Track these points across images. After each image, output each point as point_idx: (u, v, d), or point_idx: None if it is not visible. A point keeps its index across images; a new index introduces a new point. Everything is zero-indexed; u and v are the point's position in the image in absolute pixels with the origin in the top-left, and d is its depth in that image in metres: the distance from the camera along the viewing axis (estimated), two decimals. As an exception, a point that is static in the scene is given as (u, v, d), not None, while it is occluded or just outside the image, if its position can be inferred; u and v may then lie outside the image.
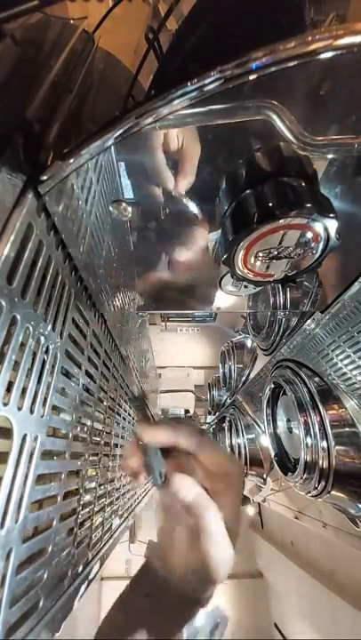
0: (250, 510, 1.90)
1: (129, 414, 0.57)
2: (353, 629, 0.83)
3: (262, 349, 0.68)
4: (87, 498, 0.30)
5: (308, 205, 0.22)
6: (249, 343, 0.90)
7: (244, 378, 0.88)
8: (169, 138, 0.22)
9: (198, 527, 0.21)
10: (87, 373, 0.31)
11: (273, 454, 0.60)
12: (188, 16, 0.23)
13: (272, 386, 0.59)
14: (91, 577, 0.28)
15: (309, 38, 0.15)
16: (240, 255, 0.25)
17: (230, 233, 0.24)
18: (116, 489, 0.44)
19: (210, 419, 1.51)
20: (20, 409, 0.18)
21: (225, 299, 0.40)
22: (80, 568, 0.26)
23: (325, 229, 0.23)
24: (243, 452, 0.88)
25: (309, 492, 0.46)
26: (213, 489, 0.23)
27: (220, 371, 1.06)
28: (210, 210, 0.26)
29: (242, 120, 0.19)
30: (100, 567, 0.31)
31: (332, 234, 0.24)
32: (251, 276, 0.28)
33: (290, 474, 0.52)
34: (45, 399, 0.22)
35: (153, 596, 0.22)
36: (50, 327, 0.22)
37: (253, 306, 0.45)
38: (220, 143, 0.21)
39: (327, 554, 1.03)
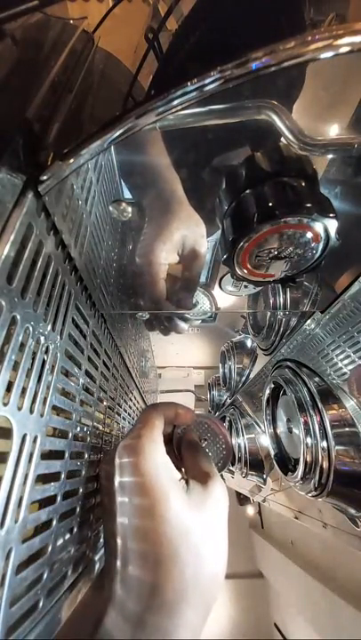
0: (250, 510, 1.90)
1: (129, 414, 0.57)
2: (353, 629, 0.83)
3: (262, 349, 0.68)
4: (87, 498, 0.30)
5: (308, 205, 0.22)
6: (249, 343, 0.90)
7: (244, 378, 0.88)
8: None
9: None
10: (87, 373, 0.31)
11: (273, 454, 0.60)
12: (188, 16, 0.23)
13: (272, 386, 0.59)
14: (91, 577, 0.28)
15: (309, 38, 0.15)
16: (240, 255, 0.25)
17: (230, 233, 0.24)
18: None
19: (210, 419, 1.51)
20: (19, 409, 0.18)
21: (225, 299, 0.40)
22: (80, 568, 0.26)
23: (325, 229, 0.23)
24: (243, 451, 0.88)
25: (309, 492, 0.46)
26: None
27: (220, 371, 1.06)
28: (210, 210, 0.26)
29: (242, 120, 0.19)
30: (101, 567, 0.31)
31: (332, 234, 0.24)
32: (251, 276, 0.28)
33: (290, 474, 0.52)
34: (45, 399, 0.22)
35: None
36: (50, 327, 0.22)
37: (253, 306, 0.45)
38: (221, 143, 0.21)
39: (327, 554, 1.03)
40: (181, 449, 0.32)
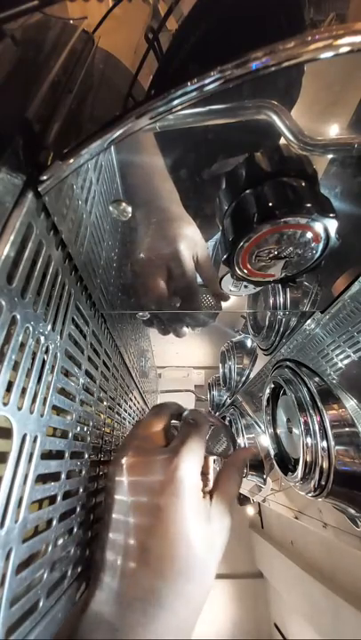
0: (250, 510, 1.89)
1: (129, 414, 0.57)
2: (354, 629, 0.83)
3: (262, 349, 0.68)
4: (87, 498, 0.30)
5: (308, 205, 0.22)
6: (249, 343, 0.90)
7: (244, 378, 0.88)
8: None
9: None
10: (87, 373, 0.31)
11: (273, 454, 0.60)
12: (188, 16, 0.23)
13: (272, 386, 0.59)
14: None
15: (309, 38, 0.15)
16: (240, 255, 0.25)
17: (230, 233, 0.24)
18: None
19: (210, 419, 1.51)
20: (19, 409, 0.18)
21: (225, 299, 0.40)
22: (80, 568, 0.26)
23: (325, 229, 0.23)
24: (243, 452, 0.87)
25: (309, 492, 0.46)
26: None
27: (220, 371, 1.06)
28: (210, 210, 0.26)
29: (242, 120, 0.19)
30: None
31: (332, 234, 0.24)
32: (251, 276, 0.28)
33: (290, 474, 0.52)
34: (45, 399, 0.22)
35: None
36: (50, 327, 0.22)
37: (253, 306, 0.45)
38: (220, 143, 0.21)
39: (327, 554, 1.03)
40: (226, 461, 0.34)
